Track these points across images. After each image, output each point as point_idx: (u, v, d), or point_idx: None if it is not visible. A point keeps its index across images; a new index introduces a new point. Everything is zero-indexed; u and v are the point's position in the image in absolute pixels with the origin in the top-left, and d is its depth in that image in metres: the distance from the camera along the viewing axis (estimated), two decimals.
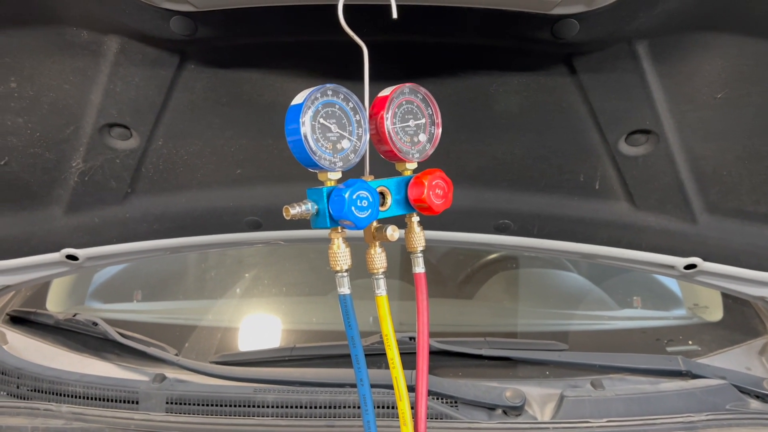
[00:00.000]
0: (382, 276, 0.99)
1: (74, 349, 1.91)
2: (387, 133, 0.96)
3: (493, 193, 1.55)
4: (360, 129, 0.94)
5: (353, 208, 0.88)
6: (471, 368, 1.79)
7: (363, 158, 0.97)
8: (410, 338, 1.74)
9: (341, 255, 0.93)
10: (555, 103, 1.32)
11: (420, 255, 1.04)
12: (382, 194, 0.98)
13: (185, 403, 1.66)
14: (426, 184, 0.97)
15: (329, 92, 0.91)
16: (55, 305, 2.16)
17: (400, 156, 0.98)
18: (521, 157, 1.47)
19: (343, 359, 1.86)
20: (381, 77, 1.07)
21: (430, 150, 1.03)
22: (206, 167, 1.49)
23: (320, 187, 0.92)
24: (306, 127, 0.87)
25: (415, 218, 1.03)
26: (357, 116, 0.94)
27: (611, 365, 1.78)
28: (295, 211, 0.89)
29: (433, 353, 1.78)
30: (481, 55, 1.26)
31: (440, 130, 1.04)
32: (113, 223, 1.59)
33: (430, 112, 1.03)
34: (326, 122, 0.90)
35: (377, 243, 0.99)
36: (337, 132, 0.91)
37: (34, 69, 1.27)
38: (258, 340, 2.04)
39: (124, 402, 1.67)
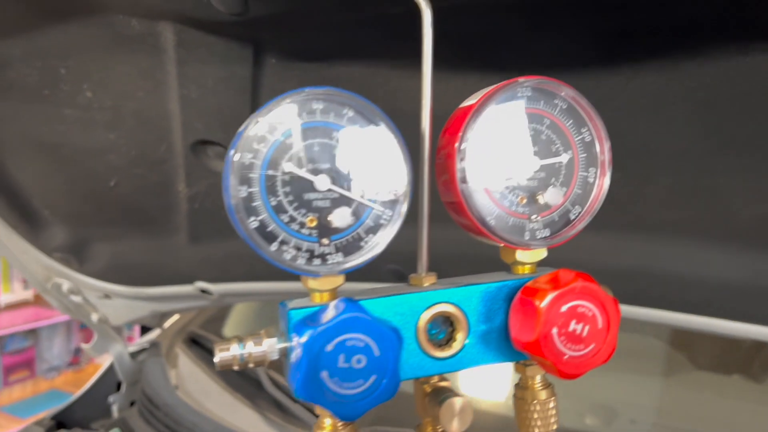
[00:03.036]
0: None
1: (230, 386, 1.68)
2: (460, 190, 0.43)
3: None
4: (401, 179, 0.43)
5: (325, 375, 0.38)
6: None
7: (420, 245, 0.46)
8: None
9: None
10: None
11: None
12: (450, 321, 0.45)
13: None
14: (542, 310, 0.41)
15: (315, 105, 0.41)
16: (234, 327, 1.99)
17: (497, 239, 0.44)
18: None
19: None
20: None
21: (579, 222, 0.46)
22: None
23: (299, 303, 0.43)
24: (237, 187, 0.39)
25: (536, 371, 0.48)
26: (394, 150, 0.43)
27: None
28: (226, 354, 0.42)
29: None
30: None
31: (608, 177, 0.46)
32: (236, 259, 1.29)
33: (587, 137, 0.46)
34: (299, 170, 0.41)
35: (432, 423, 0.46)
36: (325, 190, 0.42)
37: (102, 73, 1.00)
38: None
39: None
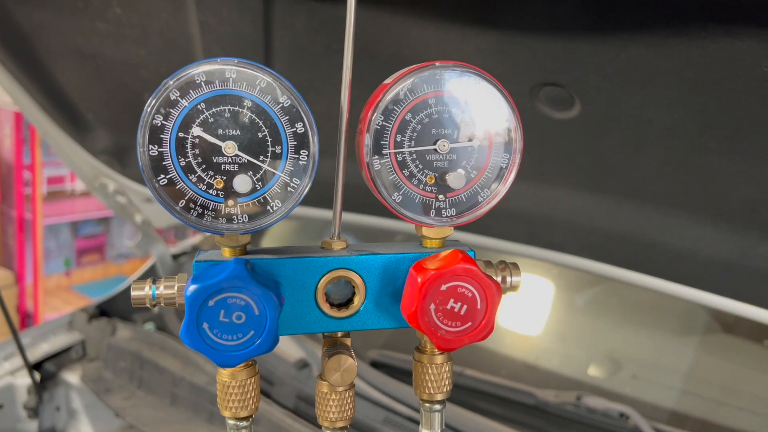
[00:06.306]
0: None
1: None
2: (367, 164, 0.45)
3: None
4: (302, 154, 0.45)
5: (206, 326, 0.42)
6: None
7: (334, 211, 0.49)
8: None
9: (234, 392, 0.48)
10: None
11: (437, 408, 0.51)
12: (353, 285, 0.48)
13: (312, 403, 1.39)
14: (422, 286, 0.44)
15: (228, 74, 0.44)
16: (271, 240, 2.08)
17: (401, 215, 0.46)
18: None
19: (524, 414, 1.34)
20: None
21: (486, 205, 0.47)
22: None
23: (208, 256, 0.47)
24: (148, 146, 0.43)
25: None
26: (298, 125, 0.45)
27: None
28: (139, 293, 0.47)
29: None
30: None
31: (520, 157, 0.47)
32: None
33: (505, 124, 0.46)
34: (207, 135, 0.44)
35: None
36: (233, 155, 0.44)
37: None
38: None
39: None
